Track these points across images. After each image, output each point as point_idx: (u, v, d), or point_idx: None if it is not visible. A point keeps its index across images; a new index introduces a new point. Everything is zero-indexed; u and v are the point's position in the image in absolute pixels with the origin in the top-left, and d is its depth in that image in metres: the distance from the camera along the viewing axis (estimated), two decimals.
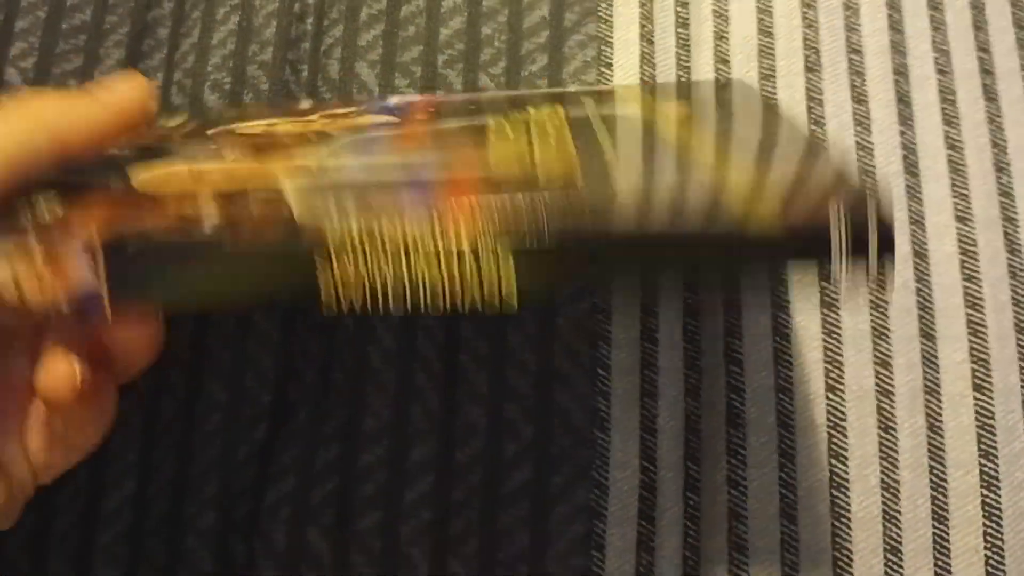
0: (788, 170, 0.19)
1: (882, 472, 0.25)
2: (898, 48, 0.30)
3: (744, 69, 0.29)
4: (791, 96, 0.29)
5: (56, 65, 0.30)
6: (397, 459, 0.26)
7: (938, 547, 0.25)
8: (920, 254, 0.28)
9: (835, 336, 0.27)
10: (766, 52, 0.30)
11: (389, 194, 0.19)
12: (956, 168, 0.29)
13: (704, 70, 0.30)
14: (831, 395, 0.26)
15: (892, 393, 0.26)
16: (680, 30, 0.30)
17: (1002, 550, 0.25)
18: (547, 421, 0.26)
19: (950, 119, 0.29)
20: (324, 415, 0.26)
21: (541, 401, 0.26)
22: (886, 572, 0.24)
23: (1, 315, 0.19)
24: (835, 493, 0.25)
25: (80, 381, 0.20)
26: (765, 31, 0.30)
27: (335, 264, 0.18)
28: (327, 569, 0.25)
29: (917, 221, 0.28)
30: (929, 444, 0.26)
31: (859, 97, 0.29)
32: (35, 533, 0.25)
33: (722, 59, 0.30)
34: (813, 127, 0.29)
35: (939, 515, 0.25)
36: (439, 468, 0.26)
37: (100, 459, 0.26)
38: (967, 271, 0.27)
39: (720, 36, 0.30)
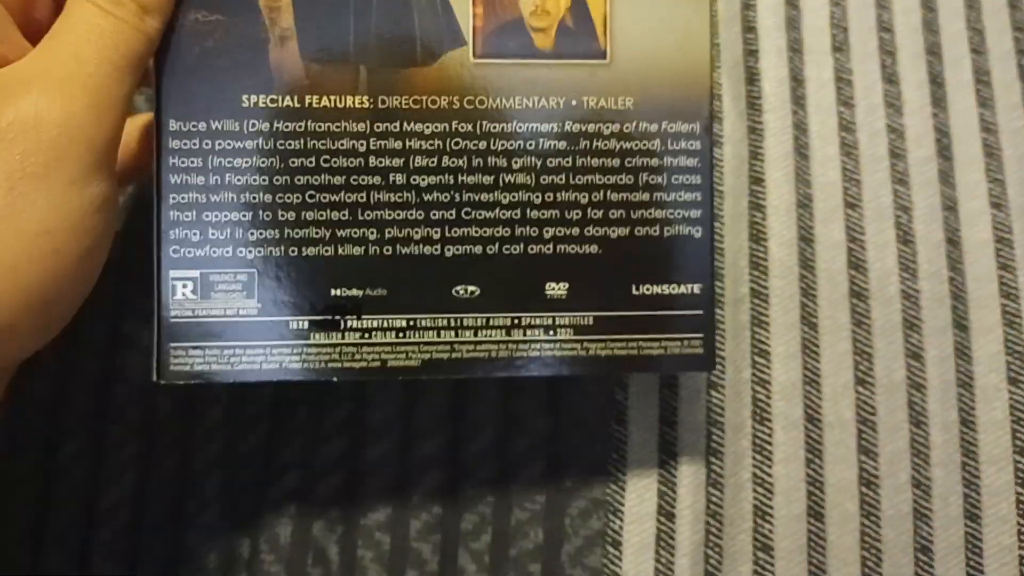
0: None
1: (913, 468, 0.24)
2: (931, 27, 0.29)
3: (773, 39, 0.28)
4: (819, 76, 0.28)
5: None
6: (405, 454, 0.25)
7: (970, 546, 0.24)
8: (953, 241, 0.27)
9: (864, 327, 0.26)
10: (793, 24, 0.28)
11: None
12: (991, 152, 0.27)
13: (732, 40, 0.28)
14: (860, 388, 0.25)
15: (924, 386, 0.25)
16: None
17: None
18: (561, 413, 0.25)
19: (985, 101, 0.28)
20: (326, 408, 0.25)
21: (554, 393, 0.25)
22: (916, 572, 0.24)
23: None
24: (864, 490, 0.24)
25: None
26: (792, 3, 0.29)
27: None
28: (333, 565, 0.24)
29: (950, 207, 0.27)
30: (962, 439, 0.25)
31: (890, 77, 0.28)
32: (32, 529, 0.24)
33: (749, 27, 0.28)
34: (841, 108, 0.28)
35: (971, 513, 0.24)
36: (449, 462, 0.25)
37: (97, 454, 0.25)
38: (1002, 259, 0.26)
39: (747, 5, 0.28)
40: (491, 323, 0.21)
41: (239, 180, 0.21)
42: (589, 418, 0.25)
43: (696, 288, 0.22)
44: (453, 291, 0.21)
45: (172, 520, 0.24)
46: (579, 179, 0.21)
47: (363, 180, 0.21)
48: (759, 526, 0.24)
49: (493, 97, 0.21)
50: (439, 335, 0.21)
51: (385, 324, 0.21)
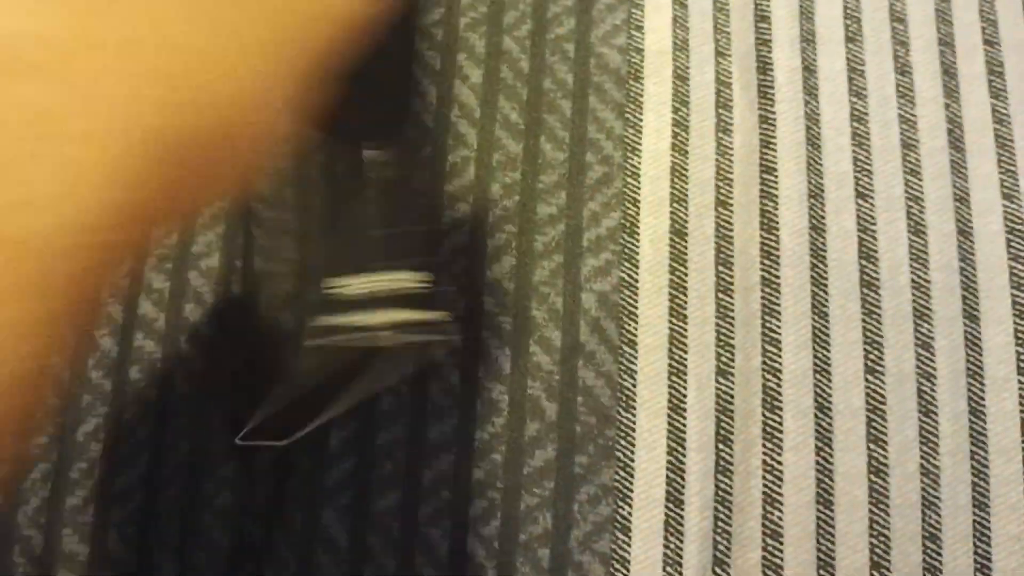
0: None
1: (922, 457, 0.25)
2: (944, 17, 0.29)
3: (786, 28, 0.28)
4: (831, 66, 0.28)
5: None
6: (415, 438, 0.25)
7: (978, 535, 0.24)
8: (964, 232, 0.27)
9: (875, 316, 0.26)
10: (807, 14, 0.28)
11: None
12: (1003, 143, 0.27)
13: (744, 29, 0.28)
14: (870, 378, 0.25)
15: (934, 376, 0.25)
16: None
17: None
18: (571, 399, 0.25)
19: (997, 92, 0.28)
20: None
21: (565, 379, 0.25)
22: (924, 560, 0.24)
23: None
24: (873, 478, 0.24)
25: None
26: None
27: None
28: (343, 551, 0.24)
29: (962, 198, 0.27)
30: (971, 429, 0.25)
31: (903, 68, 0.28)
32: (47, 510, 0.24)
33: (763, 16, 0.28)
34: (854, 99, 0.28)
35: (980, 502, 0.24)
36: (459, 447, 0.25)
37: (112, 435, 0.25)
38: (1013, 250, 0.26)
39: None
40: None
41: None
42: (599, 404, 0.25)
43: None
44: None
45: (186, 504, 0.25)
46: None
47: None
48: (768, 513, 0.24)
49: None
50: None
51: None
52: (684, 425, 0.25)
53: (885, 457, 0.25)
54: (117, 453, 0.25)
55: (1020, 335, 0.26)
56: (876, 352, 0.25)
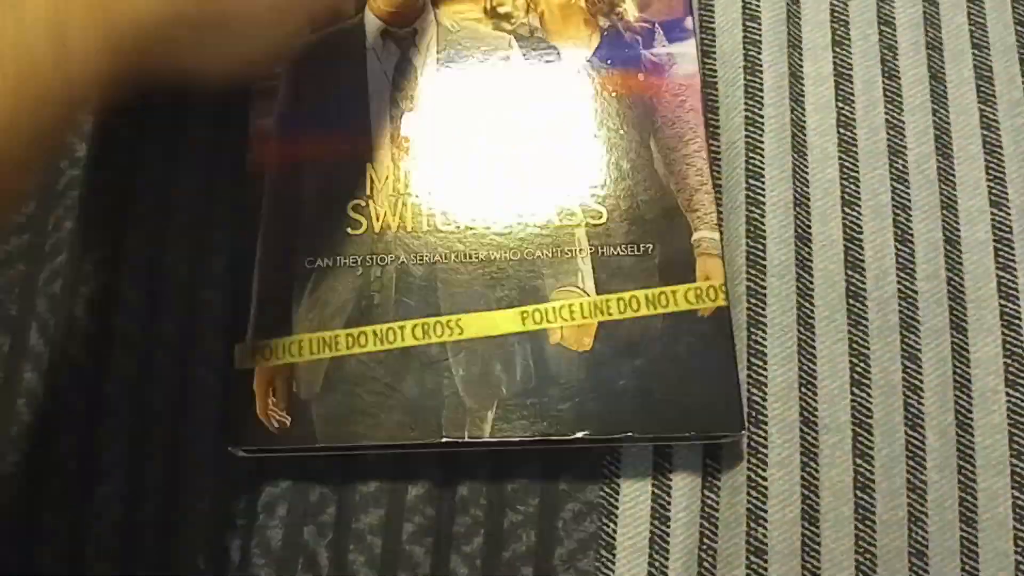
0: None
1: (908, 472, 0.24)
2: (932, 20, 0.28)
3: (775, 32, 0.28)
4: (818, 71, 0.27)
5: None
6: (399, 455, 0.25)
7: (966, 551, 0.24)
8: (951, 241, 0.26)
9: (862, 328, 0.25)
10: (794, 19, 0.28)
11: None
12: (991, 149, 0.27)
13: (733, 28, 0.28)
14: (857, 391, 0.25)
15: (921, 389, 0.25)
16: None
17: None
18: None
19: (986, 97, 0.27)
20: None
21: None
22: None
23: None
24: (859, 494, 0.24)
25: None
26: None
27: None
28: (324, 570, 0.24)
29: (949, 205, 0.26)
30: (958, 443, 0.25)
31: (890, 72, 0.28)
32: (24, 526, 0.24)
33: (752, 16, 0.28)
34: (840, 104, 0.27)
35: (968, 518, 0.24)
36: (443, 464, 0.25)
37: (89, 451, 0.24)
38: (1001, 259, 0.26)
39: None
40: None
41: None
42: None
43: None
44: None
45: (164, 519, 0.24)
46: None
47: None
48: (752, 530, 0.24)
49: None
50: None
51: None
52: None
53: (871, 472, 0.24)
54: (95, 469, 0.24)
55: (1008, 346, 0.25)
56: (863, 365, 0.25)
